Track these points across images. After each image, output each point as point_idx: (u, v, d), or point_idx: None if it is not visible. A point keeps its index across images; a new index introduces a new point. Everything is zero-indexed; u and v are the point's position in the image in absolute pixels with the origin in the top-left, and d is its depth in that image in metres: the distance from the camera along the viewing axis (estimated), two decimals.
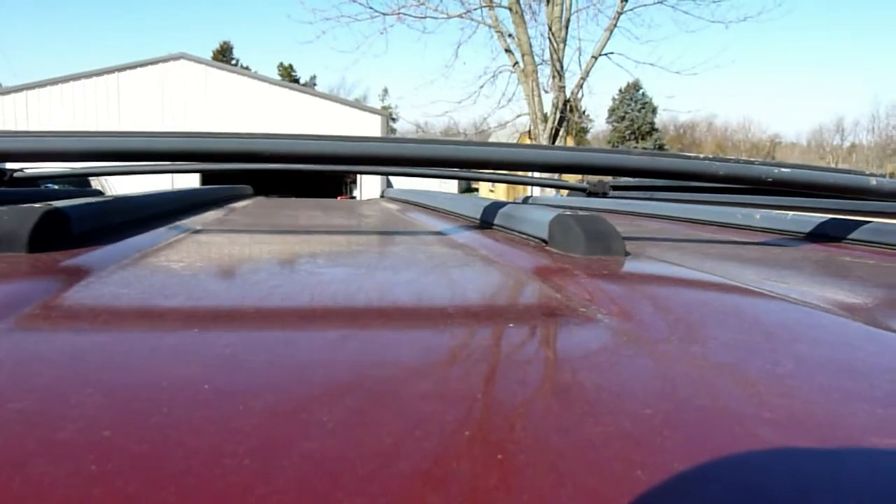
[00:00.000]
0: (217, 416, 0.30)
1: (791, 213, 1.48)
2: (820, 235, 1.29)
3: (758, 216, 1.48)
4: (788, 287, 0.73)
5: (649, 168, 0.95)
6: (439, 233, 1.18)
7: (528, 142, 12.89)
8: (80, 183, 5.42)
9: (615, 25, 11.87)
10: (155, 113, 18.14)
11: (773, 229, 1.41)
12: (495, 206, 1.18)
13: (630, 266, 0.75)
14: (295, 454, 0.26)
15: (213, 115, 18.07)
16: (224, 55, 45.12)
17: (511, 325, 0.50)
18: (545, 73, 12.09)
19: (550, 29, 11.59)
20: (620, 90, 46.87)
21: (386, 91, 55.46)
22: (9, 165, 1.93)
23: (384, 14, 12.05)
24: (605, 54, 12.02)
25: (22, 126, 16.61)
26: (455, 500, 0.24)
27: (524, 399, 0.35)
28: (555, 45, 11.63)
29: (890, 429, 0.32)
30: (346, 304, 0.57)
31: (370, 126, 19.28)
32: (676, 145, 49.38)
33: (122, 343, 0.42)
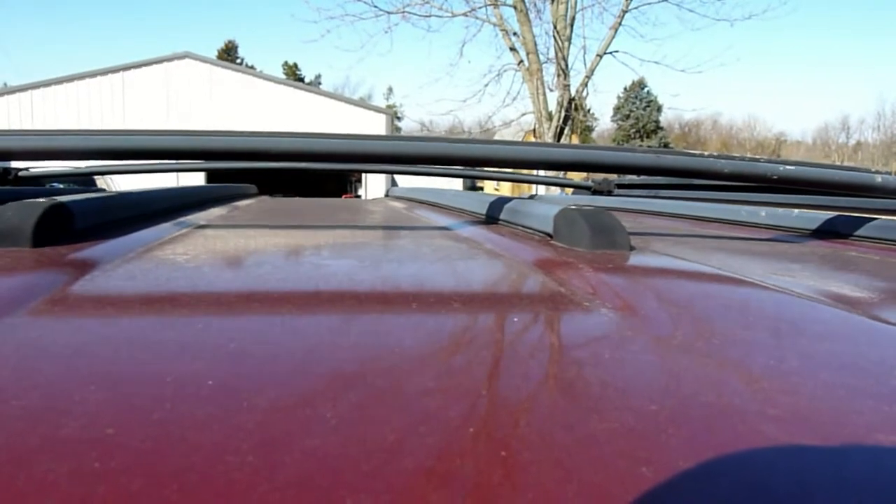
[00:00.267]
0: (220, 413, 0.30)
1: (796, 210, 1.47)
2: (825, 232, 1.29)
3: (763, 213, 1.47)
4: (794, 282, 0.72)
5: (654, 166, 0.95)
6: (444, 228, 1.18)
7: (533, 140, 12.87)
8: (84, 182, 5.43)
9: (620, 23, 11.85)
10: (160, 112, 18.17)
11: (778, 226, 1.41)
12: (500, 202, 1.18)
13: (635, 260, 0.75)
14: (298, 451, 0.26)
15: (217, 114, 18.10)
16: (229, 54, 45.17)
17: (516, 318, 0.50)
18: (550, 71, 12.09)
19: (555, 27, 11.57)
20: (625, 88, 46.87)
21: (391, 90, 55.40)
22: (14, 164, 1.94)
23: (389, 13, 12.04)
24: (610, 52, 12.00)
25: (27, 125, 16.66)
26: (459, 496, 0.24)
27: (528, 394, 0.35)
28: (560, 43, 11.61)
29: None
30: (351, 298, 0.57)
31: (375, 125, 19.28)
32: (681, 143, 49.31)
33: (126, 338, 0.42)
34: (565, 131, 11.92)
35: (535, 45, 11.82)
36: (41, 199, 0.75)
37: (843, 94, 77.46)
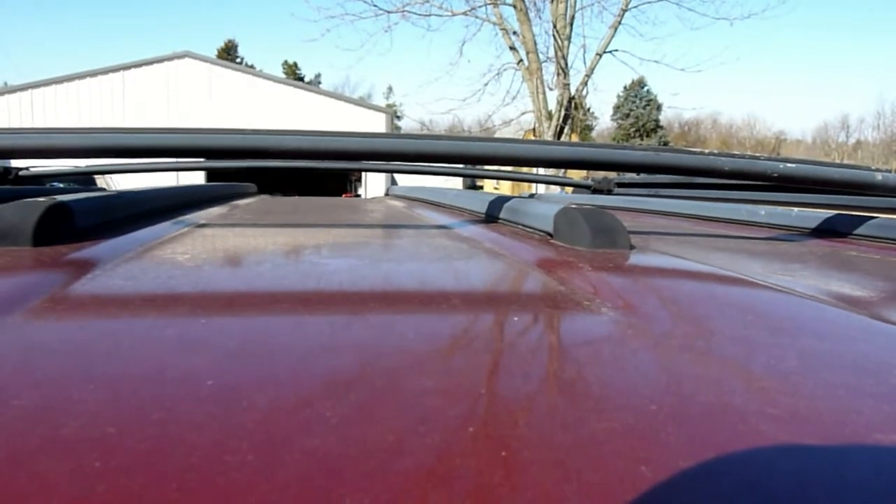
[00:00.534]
0: (220, 412, 0.30)
1: (796, 209, 1.47)
2: (825, 231, 1.29)
3: (763, 212, 1.47)
4: (794, 281, 0.72)
5: (654, 163, 0.95)
6: (444, 227, 1.18)
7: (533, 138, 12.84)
8: (84, 181, 5.44)
9: (620, 22, 11.86)
10: (160, 111, 18.17)
11: (778, 225, 1.41)
12: (500, 201, 1.18)
13: (635, 259, 0.75)
14: (298, 451, 0.26)
15: (217, 113, 18.09)
16: (229, 53, 45.13)
17: (516, 317, 0.50)
18: (550, 70, 12.09)
19: (555, 26, 11.57)
20: (625, 87, 46.85)
21: (390, 89, 55.35)
22: (14, 164, 1.94)
23: (388, 12, 12.05)
24: (610, 51, 12.00)
25: (27, 125, 16.66)
26: (459, 497, 0.24)
27: (528, 394, 0.35)
28: (559, 42, 11.60)
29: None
30: (351, 296, 0.57)
31: (375, 124, 19.27)
32: (681, 142, 49.26)
33: (126, 336, 0.42)
34: (565, 130, 11.91)
35: (535, 44, 11.83)
36: (41, 199, 0.75)
37: (842, 93, 77.45)
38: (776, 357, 0.42)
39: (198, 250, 0.80)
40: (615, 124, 47.61)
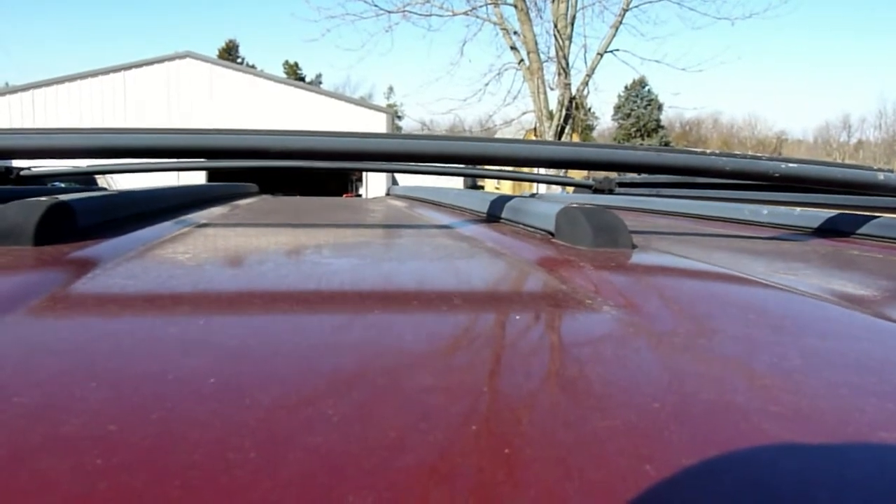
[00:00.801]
0: (223, 410, 0.30)
1: (798, 208, 1.47)
2: (828, 231, 1.29)
3: (765, 211, 1.47)
4: (796, 280, 0.72)
5: (655, 163, 0.95)
6: (445, 226, 1.18)
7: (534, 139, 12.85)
8: (86, 181, 5.44)
9: (621, 22, 11.85)
10: (161, 112, 18.17)
11: (780, 224, 1.40)
12: (502, 201, 1.18)
13: (637, 258, 0.75)
14: (300, 448, 0.26)
15: (219, 113, 18.09)
16: (230, 53, 45.13)
17: (517, 316, 0.50)
18: (551, 70, 12.08)
19: (556, 26, 11.56)
20: (626, 87, 46.82)
21: (391, 89, 55.32)
22: (15, 164, 1.94)
23: (389, 12, 12.05)
24: (611, 51, 12.00)
25: (29, 125, 16.66)
26: (461, 494, 0.24)
27: (530, 392, 0.35)
28: (560, 42, 11.60)
29: None
30: (352, 295, 0.57)
31: (376, 124, 19.26)
32: (682, 142, 49.24)
33: (128, 335, 0.42)
34: (566, 130, 11.91)
35: (536, 43, 11.83)
36: (43, 198, 0.75)
37: (844, 92, 77.40)
38: (779, 355, 0.42)
39: (199, 250, 0.80)
40: (616, 124, 47.59)
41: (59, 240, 0.72)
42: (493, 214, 1.20)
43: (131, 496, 0.23)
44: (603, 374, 0.38)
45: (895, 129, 50.03)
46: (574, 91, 11.97)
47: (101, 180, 6.08)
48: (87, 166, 2.26)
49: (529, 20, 11.72)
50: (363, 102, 23.00)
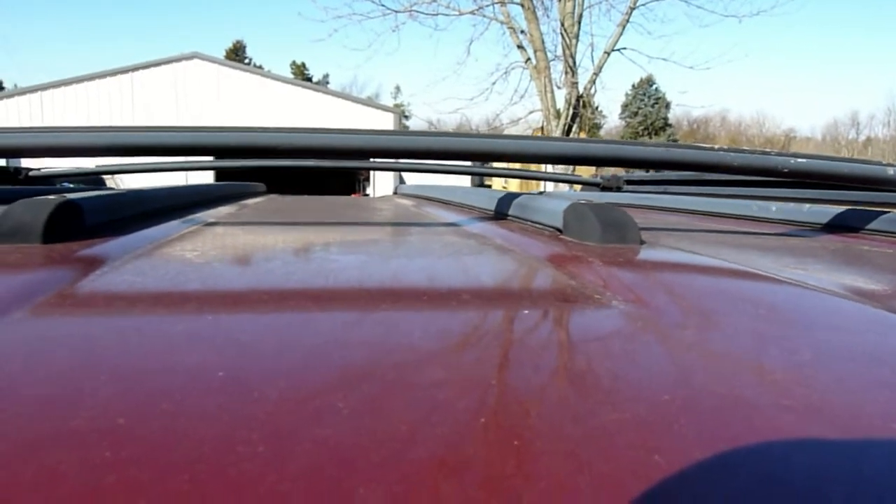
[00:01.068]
0: (231, 403, 0.30)
1: (807, 204, 1.47)
2: (837, 226, 1.28)
3: (774, 208, 1.46)
4: (806, 275, 0.72)
5: (664, 159, 0.94)
6: (453, 224, 1.17)
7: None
8: (94, 182, 5.47)
9: (628, 21, 11.81)
10: (169, 113, 18.25)
11: (789, 220, 1.40)
12: (509, 198, 1.18)
13: (646, 254, 0.74)
14: (309, 441, 0.26)
15: (226, 114, 18.16)
16: (237, 54, 45.28)
17: (526, 311, 0.50)
18: (558, 69, 12.06)
19: (563, 25, 11.54)
20: (633, 85, 46.74)
21: (398, 88, 55.45)
22: (24, 164, 1.95)
23: (396, 11, 12.06)
24: (618, 50, 11.97)
25: None
26: (471, 486, 0.24)
27: (540, 385, 0.34)
28: (567, 40, 11.58)
29: None
30: (361, 290, 0.57)
31: (383, 124, 19.28)
32: (690, 140, 49.03)
33: (137, 331, 0.42)
34: (573, 129, 11.90)
35: (543, 42, 11.81)
36: (51, 197, 0.75)
37: (852, 89, 77.03)
38: (790, 349, 0.41)
39: (207, 248, 0.80)
40: (623, 123, 47.50)
41: (68, 238, 0.72)
42: (501, 212, 1.20)
43: (140, 488, 0.23)
44: (613, 369, 0.38)
45: None
46: (581, 89, 11.95)
47: (110, 181, 6.11)
48: (96, 166, 2.27)
49: (536, 19, 11.71)
50: (370, 102, 23.03)
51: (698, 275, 0.69)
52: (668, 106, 45.69)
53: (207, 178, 13.55)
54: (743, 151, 0.95)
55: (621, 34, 11.85)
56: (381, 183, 18.50)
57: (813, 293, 0.59)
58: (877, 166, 1.02)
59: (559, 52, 11.90)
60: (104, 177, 5.68)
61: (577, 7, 11.56)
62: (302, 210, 1.67)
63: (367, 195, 18.00)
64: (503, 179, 11.75)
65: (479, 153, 0.93)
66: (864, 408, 0.32)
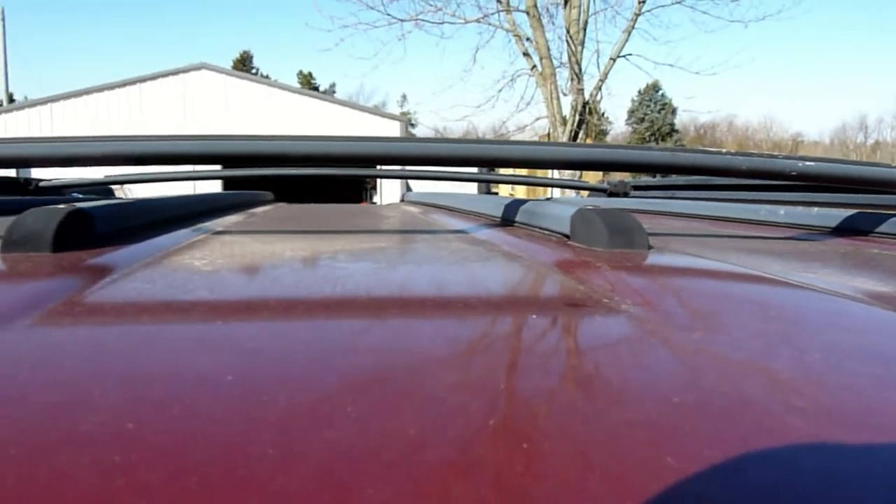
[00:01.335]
0: (240, 406, 0.30)
1: (816, 208, 1.46)
2: (846, 230, 1.27)
3: (782, 212, 1.46)
4: (815, 279, 0.71)
5: (671, 163, 0.94)
6: (461, 231, 1.18)
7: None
8: (104, 192, 5.49)
9: (633, 27, 11.83)
10: (177, 123, 18.32)
11: (798, 224, 1.39)
12: (516, 204, 1.18)
13: (654, 259, 0.74)
14: (318, 442, 0.26)
15: (234, 124, 18.22)
16: (244, 64, 45.47)
17: (535, 315, 0.50)
18: (563, 75, 12.08)
19: (568, 32, 11.57)
20: (640, 91, 46.72)
21: (405, 97, 55.48)
22: (35, 175, 1.96)
23: (402, 20, 12.11)
24: (624, 56, 11.98)
25: None
26: (481, 486, 0.24)
27: (551, 388, 0.34)
28: (573, 47, 11.60)
29: None
30: (370, 297, 0.57)
31: (390, 132, 19.30)
32: (697, 146, 48.98)
33: (145, 337, 0.42)
34: (580, 135, 11.90)
35: (549, 49, 11.84)
36: (61, 206, 0.75)
37: (860, 92, 76.75)
38: (800, 350, 0.41)
39: (215, 256, 0.80)
40: (630, 129, 47.46)
41: (77, 246, 0.72)
42: (508, 218, 1.20)
43: (149, 490, 0.23)
44: (622, 371, 0.38)
45: None
46: (587, 96, 11.96)
47: (119, 192, 6.14)
48: (105, 177, 2.29)
49: (542, 26, 11.74)
50: (377, 111, 23.09)
51: (707, 279, 0.69)
52: (674, 112, 45.64)
53: (215, 188, 13.59)
54: (750, 155, 0.95)
55: (627, 40, 11.87)
56: (388, 191, 18.52)
57: (822, 295, 0.59)
58: (885, 168, 1.01)
59: (565, 58, 11.94)
60: (113, 187, 5.71)
61: (582, 14, 11.59)
62: (309, 218, 1.67)
63: (374, 203, 18.03)
64: (510, 186, 11.77)
65: (485, 159, 0.94)
66: (875, 410, 0.32)
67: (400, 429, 0.28)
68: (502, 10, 11.99)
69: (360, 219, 1.63)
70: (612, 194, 2.32)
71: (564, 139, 11.58)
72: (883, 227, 1.21)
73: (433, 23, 12.12)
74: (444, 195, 2.08)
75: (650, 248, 0.79)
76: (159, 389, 0.32)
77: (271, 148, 0.87)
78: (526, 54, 12.14)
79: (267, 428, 0.27)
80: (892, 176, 0.99)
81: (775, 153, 1.00)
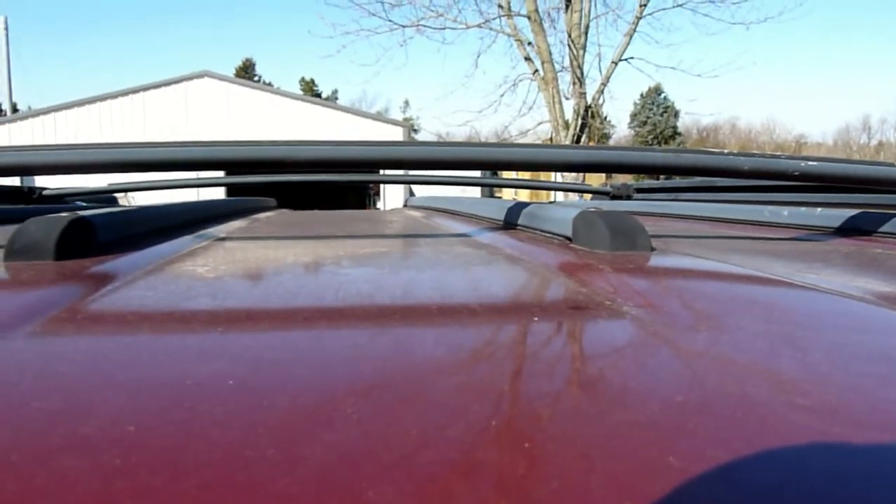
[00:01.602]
0: (241, 410, 0.30)
1: (819, 208, 1.46)
2: (849, 230, 1.27)
3: (785, 213, 1.46)
4: (819, 279, 0.71)
5: (674, 165, 0.94)
6: (463, 234, 1.18)
7: None
8: (107, 200, 5.50)
9: (635, 30, 11.85)
10: (180, 131, 18.38)
11: (801, 225, 1.39)
12: (518, 207, 1.18)
13: (656, 261, 0.74)
14: (319, 444, 0.26)
15: (236, 131, 18.27)
16: (247, 71, 45.60)
17: (537, 318, 0.50)
18: (565, 79, 12.10)
19: (570, 36, 11.59)
20: (642, 95, 46.70)
21: (407, 103, 55.61)
22: (38, 183, 1.97)
23: (403, 27, 12.15)
24: (626, 59, 12.00)
25: None
26: (483, 487, 0.24)
27: (554, 390, 0.34)
28: (574, 51, 11.62)
29: None
30: (372, 301, 0.57)
31: (392, 138, 19.30)
32: (700, 148, 48.94)
33: (147, 344, 0.42)
34: (582, 139, 11.91)
35: (550, 54, 11.85)
36: (64, 214, 0.76)
37: (863, 93, 76.61)
38: (804, 351, 0.41)
39: (218, 263, 0.80)
40: (632, 132, 47.46)
41: (80, 254, 0.72)
42: (510, 221, 1.20)
43: (150, 493, 0.23)
44: (625, 373, 0.38)
45: None
46: (589, 100, 11.97)
47: (123, 200, 6.16)
48: (108, 185, 2.29)
49: (543, 31, 11.76)
50: (379, 117, 23.12)
51: (710, 280, 0.68)
52: (676, 114, 45.60)
53: (218, 195, 13.62)
54: (753, 155, 0.95)
55: (628, 44, 11.89)
56: (391, 196, 18.54)
57: (826, 296, 0.59)
58: (889, 168, 1.01)
59: (567, 63, 11.96)
60: (117, 195, 5.72)
61: (583, 18, 11.61)
62: (313, 224, 1.67)
63: (378, 209, 18.05)
64: (513, 190, 11.77)
65: (487, 162, 0.94)
66: (880, 409, 0.32)
67: (403, 431, 0.28)
68: (504, 15, 12.01)
69: (363, 224, 1.63)
70: (614, 197, 2.31)
71: (567, 143, 11.60)
72: (887, 227, 1.21)
73: (435, 28, 12.16)
74: (447, 199, 2.08)
75: (653, 249, 0.79)
76: (161, 396, 0.32)
77: (274, 153, 0.87)
78: (528, 59, 12.16)
79: (268, 431, 0.27)
80: (894, 175, 0.99)
81: (778, 153, 1.00)
